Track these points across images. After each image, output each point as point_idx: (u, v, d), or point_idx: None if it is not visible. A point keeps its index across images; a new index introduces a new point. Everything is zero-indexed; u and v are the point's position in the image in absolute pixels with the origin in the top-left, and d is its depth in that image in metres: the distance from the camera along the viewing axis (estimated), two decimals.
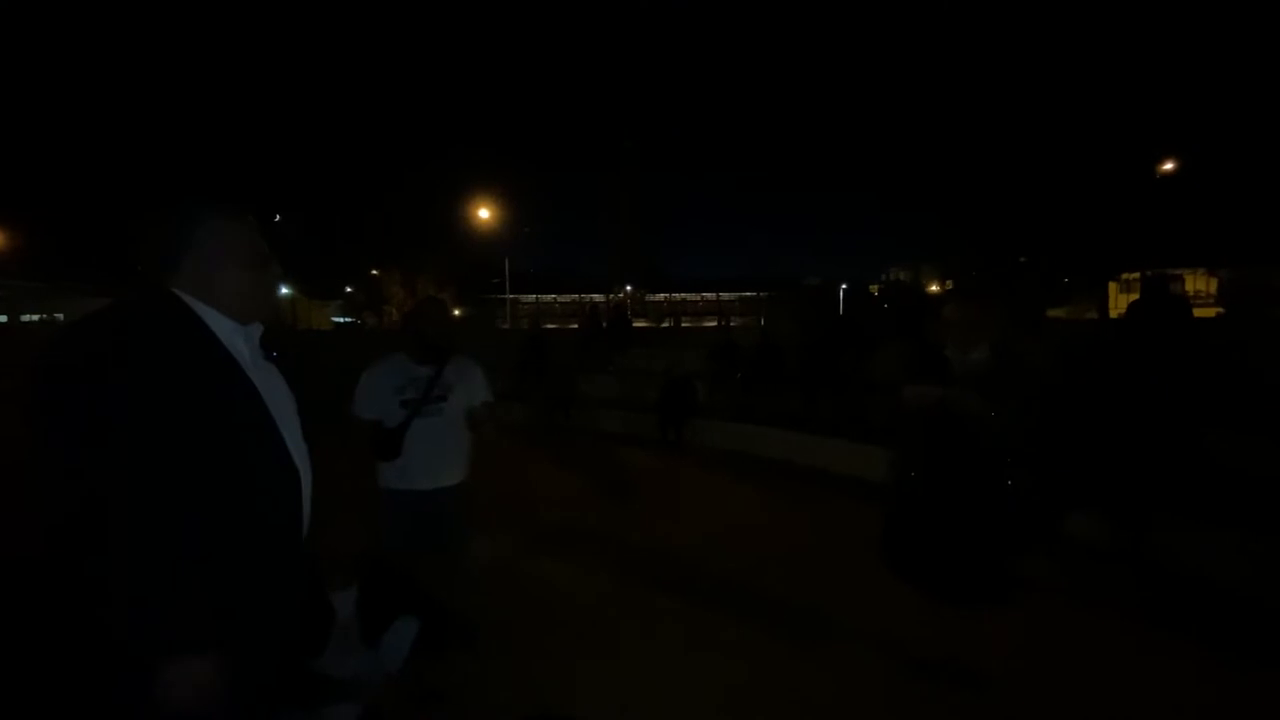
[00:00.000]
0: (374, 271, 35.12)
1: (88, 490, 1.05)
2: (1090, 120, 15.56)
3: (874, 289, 17.22)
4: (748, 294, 44.33)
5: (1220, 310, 20.44)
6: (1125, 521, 3.70)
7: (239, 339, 1.28)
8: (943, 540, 2.41)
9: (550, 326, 19.20)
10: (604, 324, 13.04)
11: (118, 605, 1.06)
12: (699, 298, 48.44)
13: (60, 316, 23.71)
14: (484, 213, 27.01)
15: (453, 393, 2.59)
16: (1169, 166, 16.28)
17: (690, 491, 5.85)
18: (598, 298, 18.29)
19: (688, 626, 3.16)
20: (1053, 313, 19.57)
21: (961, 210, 20.18)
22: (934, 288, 25.52)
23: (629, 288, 44.84)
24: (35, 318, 27.86)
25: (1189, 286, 26.32)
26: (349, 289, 38.40)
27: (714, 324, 10.76)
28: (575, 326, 15.67)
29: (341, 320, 38.83)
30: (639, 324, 14.67)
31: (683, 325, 21.43)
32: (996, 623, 2.61)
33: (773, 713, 2.46)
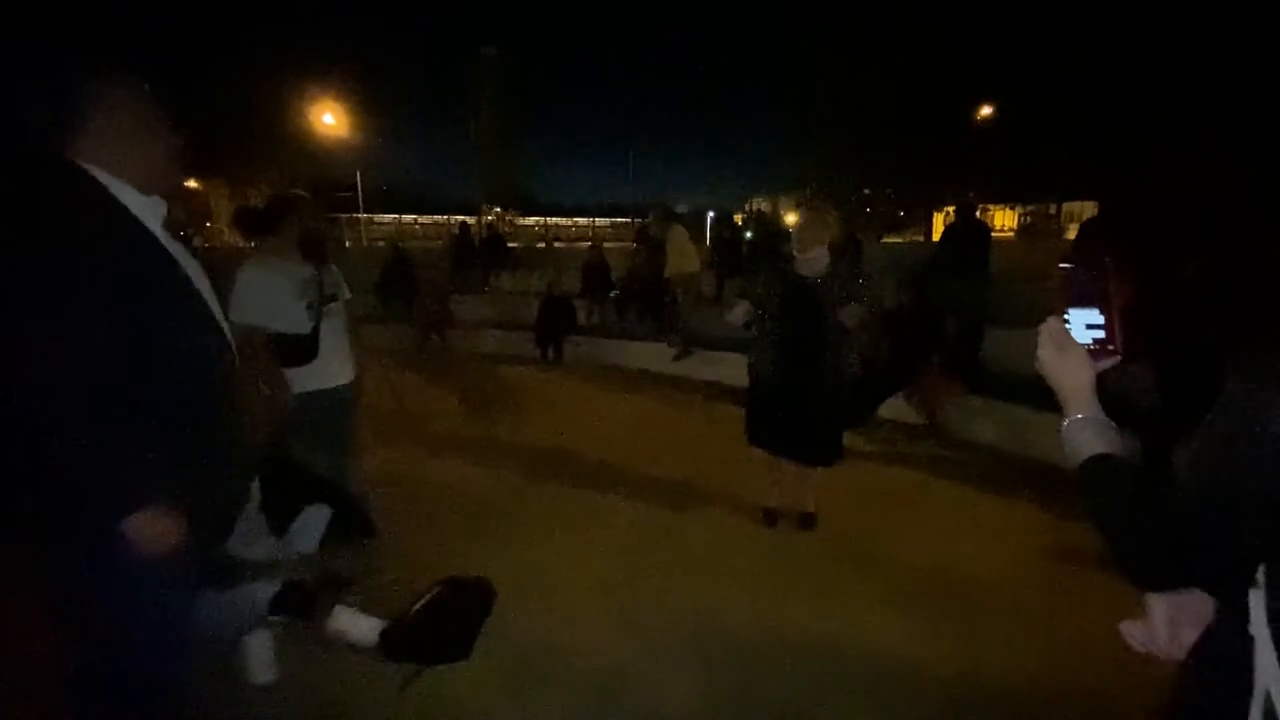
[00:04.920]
0: (192, 183, 30.30)
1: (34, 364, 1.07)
2: (920, 73, 17.43)
3: (738, 218, 18.27)
4: (620, 220, 44.45)
5: (1016, 239, 24.39)
6: (926, 401, 4.62)
7: (149, 214, 1.28)
8: (789, 411, 2.91)
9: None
10: (476, 244, 12.63)
11: (79, 467, 1.11)
12: (571, 223, 47.68)
13: None
14: (328, 118, 23.96)
15: (339, 290, 2.59)
16: (986, 112, 18.54)
17: (574, 400, 6.15)
18: (469, 219, 17.26)
19: (580, 508, 3.53)
20: (888, 238, 22.18)
21: (815, 149, 22.02)
22: (791, 217, 27.47)
23: (498, 210, 42.86)
24: None
25: (998, 221, 30.66)
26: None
27: (588, 245, 11.02)
28: (443, 243, 14.93)
29: None
30: (512, 245, 14.35)
31: (555, 245, 21.53)
32: (832, 478, 3.24)
33: (659, 566, 2.89)
